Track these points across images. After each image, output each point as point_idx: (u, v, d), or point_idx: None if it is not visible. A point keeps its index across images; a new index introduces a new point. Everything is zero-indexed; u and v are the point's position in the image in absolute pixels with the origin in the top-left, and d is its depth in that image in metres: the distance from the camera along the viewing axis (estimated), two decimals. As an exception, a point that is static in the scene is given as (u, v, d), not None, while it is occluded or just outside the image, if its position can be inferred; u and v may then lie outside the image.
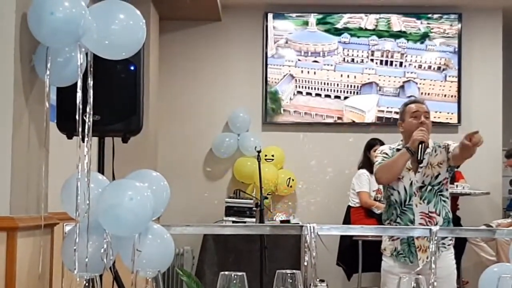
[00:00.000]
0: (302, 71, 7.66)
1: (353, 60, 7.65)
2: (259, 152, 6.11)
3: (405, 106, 4.22)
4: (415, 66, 7.62)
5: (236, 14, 7.61)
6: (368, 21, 7.66)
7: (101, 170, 3.41)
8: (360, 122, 7.62)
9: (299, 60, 7.65)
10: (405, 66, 7.63)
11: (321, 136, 7.62)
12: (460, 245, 6.11)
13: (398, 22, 7.66)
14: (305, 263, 3.03)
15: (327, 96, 7.64)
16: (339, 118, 7.63)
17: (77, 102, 2.66)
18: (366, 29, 7.65)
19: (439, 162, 4.08)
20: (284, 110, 7.63)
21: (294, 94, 7.64)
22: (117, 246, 2.70)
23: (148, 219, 2.71)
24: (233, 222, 6.69)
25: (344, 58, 7.65)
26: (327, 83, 7.64)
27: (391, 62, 7.64)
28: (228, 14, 7.54)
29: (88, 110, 2.69)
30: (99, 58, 2.75)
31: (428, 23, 7.64)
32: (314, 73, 7.65)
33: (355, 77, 7.64)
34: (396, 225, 4.05)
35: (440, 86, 7.61)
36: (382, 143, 6.22)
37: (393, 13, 7.63)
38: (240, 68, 7.67)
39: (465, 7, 7.60)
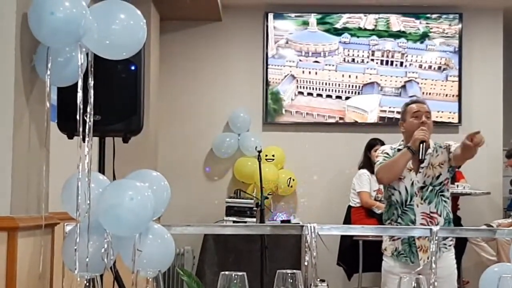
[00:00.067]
0: (303, 72, 7.66)
1: (353, 60, 7.65)
2: (259, 152, 6.11)
3: (406, 106, 4.22)
4: (415, 66, 7.62)
5: (237, 14, 7.61)
6: (367, 21, 7.66)
7: (101, 170, 3.41)
8: (363, 122, 7.62)
9: (300, 60, 7.65)
10: (405, 66, 7.63)
11: (321, 136, 7.62)
12: (460, 245, 6.11)
13: (397, 22, 7.66)
14: (306, 263, 3.03)
15: (328, 96, 7.64)
16: (341, 118, 7.63)
17: (78, 102, 2.66)
18: (365, 29, 7.65)
19: (440, 163, 4.08)
20: (285, 111, 7.63)
21: (295, 94, 7.64)
22: (117, 246, 2.70)
23: (149, 219, 2.71)
24: (234, 222, 6.69)
25: (344, 58, 7.65)
26: (328, 83, 7.64)
27: (392, 62, 7.64)
28: (229, 14, 7.54)
29: (88, 110, 2.69)
30: (99, 58, 2.75)
31: (427, 23, 7.64)
32: (316, 73, 7.65)
33: (356, 77, 7.64)
34: (397, 225, 4.05)
35: (442, 86, 7.61)
36: (382, 143, 6.23)
37: (392, 13, 7.63)
38: (240, 68, 7.67)
39: (466, 7, 7.60)
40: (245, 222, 6.66)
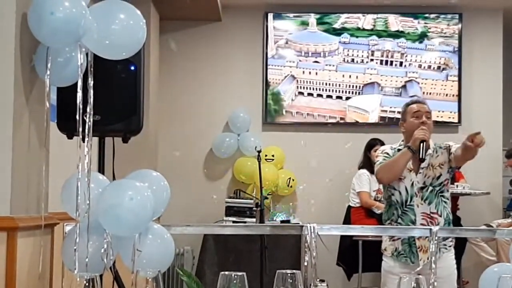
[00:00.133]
0: (303, 72, 7.66)
1: (353, 60, 7.65)
2: (259, 152, 6.11)
3: (406, 106, 4.23)
4: (415, 66, 7.62)
5: (236, 14, 7.61)
6: (366, 21, 7.66)
7: (101, 170, 3.41)
8: (364, 122, 7.62)
9: (300, 60, 7.65)
10: (405, 66, 7.63)
11: (321, 136, 7.62)
12: (460, 245, 6.10)
13: (395, 22, 7.66)
14: (305, 263, 3.03)
15: (329, 96, 7.64)
16: (341, 118, 7.63)
17: (78, 102, 2.66)
18: (364, 29, 7.65)
19: (440, 163, 4.08)
20: (286, 111, 7.63)
21: (295, 95, 7.64)
22: (117, 246, 2.70)
23: (148, 219, 2.71)
24: (233, 222, 6.69)
25: (344, 59, 7.65)
26: (329, 84, 7.64)
27: (391, 62, 7.64)
28: (228, 14, 7.54)
29: (88, 110, 2.69)
30: (99, 58, 2.75)
31: (425, 23, 7.65)
32: (316, 73, 7.65)
33: (357, 77, 7.64)
34: (397, 225, 4.05)
35: (442, 85, 7.61)
36: (382, 143, 6.23)
37: (390, 13, 7.63)
38: (240, 68, 7.67)
39: (466, 7, 7.60)
40: (245, 222, 6.65)
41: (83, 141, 2.69)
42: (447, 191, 4.14)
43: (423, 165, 4.06)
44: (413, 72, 7.62)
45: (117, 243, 2.69)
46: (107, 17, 2.68)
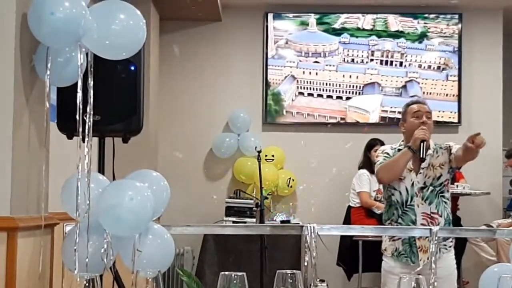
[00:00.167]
0: (303, 72, 7.66)
1: (353, 60, 7.65)
2: (259, 152, 6.11)
3: (407, 106, 4.23)
4: (415, 66, 7.62)
5: (236, 14, 7.61)
6: (365, 21, 7.66)
7: (101, 170, 3.41)
8: (364, 122, 7.62)
9: (300, 61, 7.65)
10: (405, 66, 7.63)
11: (321, 136, 7.62)
12: (460, 245, 6.10)
13: (395, 22, 7.66)
14: (305, 263, 3.03)
15: (329, 96, 7.64)
16: (342, 119, 7.63)
17: (78, 102, 2.66)
18: (363, 29, 7.65)
19: (441, 164, 4.08)
20: (286, 112, 7.63)
21: (295, 95, 7.64)
22: (117, 246, 2.70)
23: (149, 219, 2.71)
24: (233, 222, 6.69)
25: (344, 59, 7.65)
26: (329, 84, 7.64)
27: (391, 62, 7.64)
28: (228, 14, 7.54)
29: (88, 110, 2.69)
30: (99, 58, 2.75)
31: (425, 23, 7.65)
32: (316, 73, 7.65)
33: (357, 77, 7.64)
34: (397, 225, 4.05)
35: (442, 85, 7.62)
36: (382, 143, 6.23)
37: (390, 13, 7.63)
38: (240, 68, 7.67)
39: (465, 7, 7.60)
40: (245, 222, 6.65)
41: (83, 141, 2.69)
42: (447, 191, 4.14)
43: (423, 165, 4.06)
44: (414, 72, 7.62)
45: (117, 243, 2.69)
46: (107, 17, 2.68)
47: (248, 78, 7.65)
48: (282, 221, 7.15)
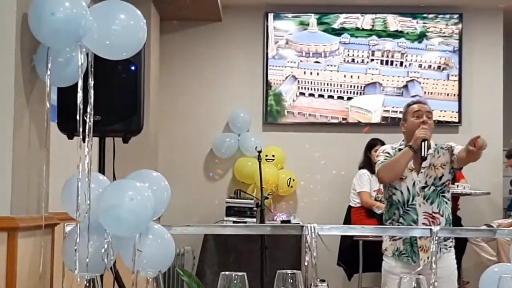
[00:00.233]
0: (304, 72, 7.65)
1: (353, 60, 7.65)
2: (259, 152, 6.10)
3: (407, 106, 4.25)
4: (416, 66, 7.62)
5: (237, 14, 7.61)
6: (365, 21, 7.66)
7: (101, 170, 3.41)
8: (366, 122, 7.62)
9: (300, 61, 7.65)
10: (405, 66, 7.63)
11: (321, 136, 7.62)
12: (460, 245, 6.10)
13: (394, 22, 7.66)
14: (306, 263, 3.03)
15: (330, 97, 7.64)
16: (344, 119, 7.63)
17: (78, 102, 2.66)
18: (363, 29, 7.65)
19: (442, 164, 4.09)
20: (288, 112, 7.63)
21: (296, 95, 7.64)
22: (117, 246, 2.70)
23: (149, 219, 2.71)
24: (234, 222, 6.69)
25: (345, 59, 7.65)
26: (330, 84, 7.63)
27: (392, 62, 7.64)
28: (229, 14, 7.54)
29: (88, 110, 2.69)
30: (99, 58, 2.75)
31: (424, 23, 7.65)
32: (317, 74, 7.64)
33: (358, 77, 7.63)
34: (398, 225, 4.06)
35: (443, 85, 7.61)
36: (382, 143, 6.23)
37: (389, 13, 7.63)
38: (240, 68, 7.67)
39: (466, 7, 7.60)
40: (245, 222, 6.66)
41: (84, 141, 2.69)
42: (448, 191, 4.15)
43: (424, 164, 4.06)
44: (415, 72, 7.62)
45: (117, 243, 2.69)
46: (108, 17, 2.68)
47: (248, 78, 7.65)
48: (282, 221, 7.15)
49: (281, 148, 7.52)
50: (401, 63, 7.63)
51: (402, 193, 4.09)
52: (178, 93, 7.60)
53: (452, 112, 7.58)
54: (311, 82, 7.64)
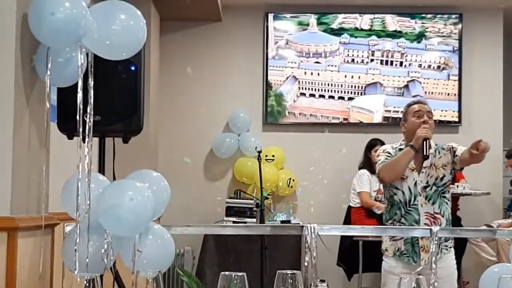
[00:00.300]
0: (305, 73, 7.65)
1: (353, 60, 7.65)
2: (259, 152, 6.10)
3: (408, 107, 4.26)
4: (415, 66, 7.62)
5: (237, 15, 7.62)
6: (363, 21, 7.66)
7: (101, 170, 3.41)
8: (368, 122, 7.61)
9: (301, 61, 7.65)
10: (405, 66, 7.63)
11: (321, 136, 7.62)
12: (460, 245, 6.11)
13: (392, 22, 7.66)
14: (306, 263, 3.03)
15: (331, 97, 7.64)
16: (345, 119, 7.63)
17: (78, 102, 2.66)
18: (362, 29, 7.65)
19: (443, 164, 4.09)
20: (289, 113, 7.63)
21: (297, 96, 7.64)
22: (117, 246, 2.70)
23: (149, 220, 2.71)
24: (234, 222, 6.69)
25: (345, 59, 7.65)
26: (331, 84, 7.63)
27: (392, 62, 7.64)
28: (229, 14, 7.54)
29: (88, 110, 2.69)
30: (99, 58, 2.75)
31: (422, 23, 7.65)
32: (318, 74, 7.64)
33: (359, 77, 7.63)
34: (400, 225, 4.06)
35: (444, 85, 7.62)
36: (382, 143, 6.22)
37: (387, 13, 7.63)
38: (240, 68, 7.67)
39: (466, 7, 7.60)
40: (245, 222, 6.65)
41: (84, 142, 2.69)
42: (448, 192, 4.15)
43: (425, 164, 4.07)
44: (415, 72, 7.62)
45: (117, 243, 2.68)
46: (108, 17, 2.68)
47: (248, 78, 7.65)
48: (282, 221, 7.15)
49: (281, 148, 7.52)
50: (401, 63, 7.63)
51: (403, 193, 4.09)
52: (178, 93, 7.61)
53: (453, 111, 7.58)
54: (312, 83, 7.64)
